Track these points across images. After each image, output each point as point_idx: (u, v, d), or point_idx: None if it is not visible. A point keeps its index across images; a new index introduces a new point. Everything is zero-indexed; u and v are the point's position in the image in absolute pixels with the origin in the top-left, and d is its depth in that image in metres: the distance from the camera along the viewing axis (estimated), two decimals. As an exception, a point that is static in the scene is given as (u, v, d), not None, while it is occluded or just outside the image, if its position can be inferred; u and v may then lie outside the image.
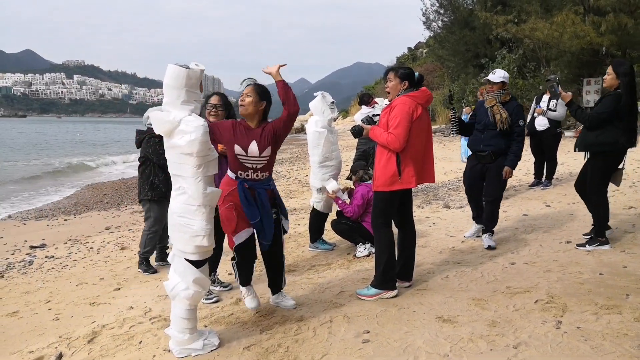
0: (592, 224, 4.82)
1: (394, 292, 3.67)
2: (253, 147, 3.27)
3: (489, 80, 4.91)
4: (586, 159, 4.61)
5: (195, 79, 2.89)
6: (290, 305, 3.59)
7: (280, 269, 3.67)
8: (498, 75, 4.89)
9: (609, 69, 4.36)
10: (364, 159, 7.13)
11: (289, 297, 3.69)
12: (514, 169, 4.80)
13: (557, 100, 7.49)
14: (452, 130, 5.25)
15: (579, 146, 4.54)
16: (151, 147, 4.88)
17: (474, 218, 5.29)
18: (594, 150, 4.42)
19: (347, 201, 5.17)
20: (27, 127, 79.17)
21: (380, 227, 3.73)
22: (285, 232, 3.69)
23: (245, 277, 3.58)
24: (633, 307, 3.12)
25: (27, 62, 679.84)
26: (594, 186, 4.47)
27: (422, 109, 3.65)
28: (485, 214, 4.95)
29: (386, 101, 8.39)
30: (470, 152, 5.57)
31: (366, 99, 7.35)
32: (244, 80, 3.55)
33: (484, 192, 5.02)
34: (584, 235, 4.89)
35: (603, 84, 4.57)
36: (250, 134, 3.30)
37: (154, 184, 4.90)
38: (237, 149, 3.27)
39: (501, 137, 4.74)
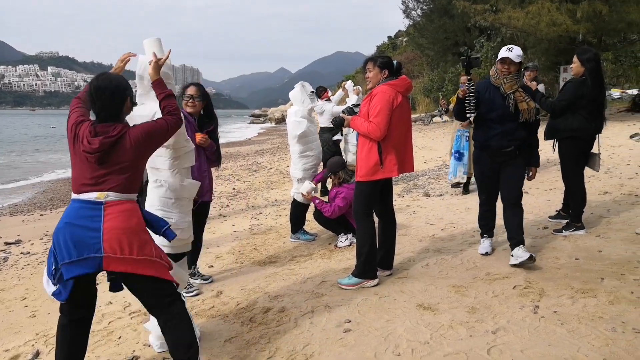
0: (561, 207, 4.96)
1: (375, 281, 3.68)
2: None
3: (504, 59, 3.85)
4: (555, 147, 4.71)
5: (168, 68, 2.82)
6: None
7: None
8: (517, 53, 3.86)
9: (574, 58, 4.46)
10: (333, 152, 7.19)
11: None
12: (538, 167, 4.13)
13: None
14: (471, 111, 3.97)
15: (546, 134, 4.65)
16: None
17: (486, 232, 4.24)
18: (559, 137, 4.52)
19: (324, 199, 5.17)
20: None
21: (362, 217, 3.73)
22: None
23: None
24: (608, 290, 3.18)
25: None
26: (567, 172, 4.57)
27: (402, 98, 3.64)
28: (511, 222, 3.94)
29: (339, 93, 8.50)
30: (458, 171, 5.38)
31: (319, 92, 7.55)
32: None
33: (505, 195, 3.99)
34: (549, 217, 5.07)
35: (571, 72, 4.63)
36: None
37: None
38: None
39: (524, 129, 3.88)
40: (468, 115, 3.99)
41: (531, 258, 3.65)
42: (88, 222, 2.27)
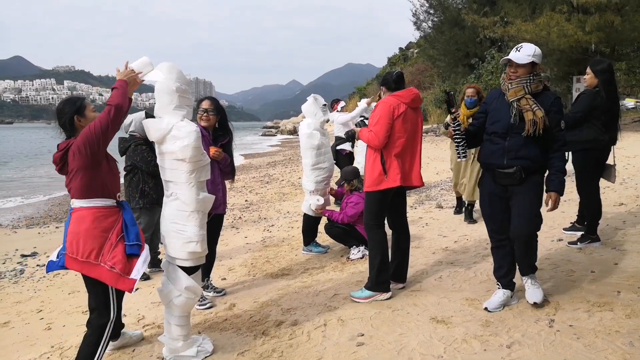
0: (576, 219, 4.92)
1: (388, 294, 3.67)
2: None
3: (509, 61, 3.20)
4: (568, 159, 4.68)
5: (186, 85, 2.91)
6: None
7: None
8: (525, 52, 3.15)
9: (588, 69, 4.44)
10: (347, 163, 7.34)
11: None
12: (562, 195, 3.21)
13: None
14: (460, 153, 3.48)
15: None
16: (139, 154, 4.80)
17: (500, 278, 3.38)
18: (574, 149, 4.49)
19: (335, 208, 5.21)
20: (11, 135, 78.37)
21: (373, 228, 3.73)
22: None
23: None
24: (624, 304, 3.14)
25: (17, 68, 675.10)
26: (582, 184, 4.54)
27: (407, 108, 3.63)
28: (521, 263, 3.33)
29: (342, 103, 8.58)
30: None
31: (331, 104, 7.92)
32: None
33: (512, 230, 3.24)
34: (563, 229, 5.01)
35: (584, 83, 4.61)
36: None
37: (144, 192, 4.85)
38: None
39: (534, 145, 3.15)
40: (458, 159, 3.56)
41: (536, 304, 3.22)
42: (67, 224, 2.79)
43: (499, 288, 3.37)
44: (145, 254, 2.76)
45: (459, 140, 3.42)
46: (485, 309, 3.26)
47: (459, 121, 3.41)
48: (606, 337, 2.75)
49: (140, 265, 2.70)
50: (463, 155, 3.48)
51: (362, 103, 8.16)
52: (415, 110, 3.71)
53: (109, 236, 2.70)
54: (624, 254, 4.14)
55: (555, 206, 3.21)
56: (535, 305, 3.23)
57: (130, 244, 2.71)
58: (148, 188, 4.85)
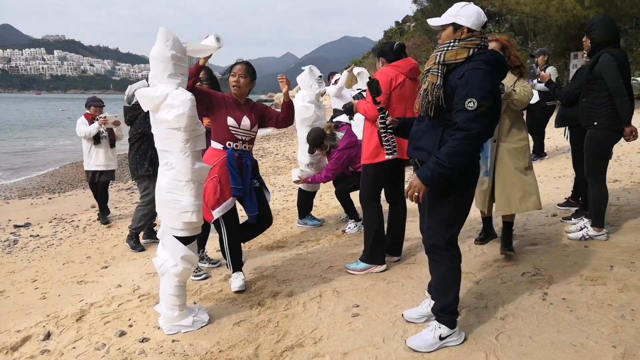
0: (570, 195, 4.94)
1: (383, 267, 3.69)
2: (246, 121, 3.48)
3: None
4: (566, 135, 4.67)
5: (182, 52, 2.83)
6: (234, 286, 3.53)
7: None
8: (447, 12, 2.53)
9: (585, 37, 4.05)
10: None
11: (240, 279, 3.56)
12: (427, 185, 2.41)
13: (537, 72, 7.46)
14: (387, 150, 2.86)
15: (558, 122, 4.62)
16: (149, 122, 4.74)
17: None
18: (572, 124, 4.48)
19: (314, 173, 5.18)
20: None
21: (368, 201, 3.72)
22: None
23: (236, 260, 3.62)
24: (617, 278, 3.17)
25: (6, 37, 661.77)
26: (579, 159, 4.53)
27: (406, 78, 3.57)
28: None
29: (345, 74, 8.44)
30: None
31: (328, 77, 7.74)
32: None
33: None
34: (557, 205, 5.03)
35: (582, 58, 4.52)
36: (242, 109, 3.50)
37: (153, 159, 4.77)
38: (231, 120, 3.42)
39: (434, 132, 2.51)
40: (387, 157, 2.89)
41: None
42: None
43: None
44: None
45: (384, 135, 2.83)
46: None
47: (385, 112, 2.86)
48: (599, 310, 2.78)
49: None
50: (389, 152, 2.85)
51: (345, 73, 8.13)
52: (414, 81, 3.63)
53: None
54: (617, 229, 4.17)
55: (413, 197, 2.45)
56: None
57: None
58: (156, 155, 4.80)
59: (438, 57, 2.45)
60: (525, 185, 3.58)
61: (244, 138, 3.48)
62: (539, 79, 5.85)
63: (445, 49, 2.44)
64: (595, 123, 3.91)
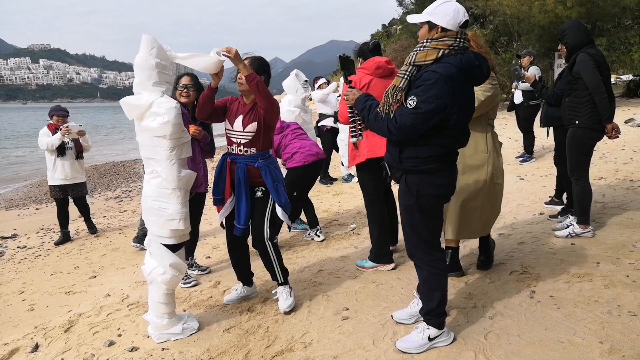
0: (554, 194, 5.00)
1: (391, 265, 3.75)
2: (238, 121, 3.15)
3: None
4: (548, 135, 4.75)
5: (166, 60, 2.83)
6: (283, 307, 3.17)
7: (268, 259, 3.25)
8: (427, 10, 2.42)
9: (560, 45, 4.16)
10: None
11: (287, 295, 3.23)
12: (355, 103, 2.61)
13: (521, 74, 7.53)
14: (354, 133, 2.74)
15: (543, 121, 4.69)
16: None
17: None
18: (556, 124, 4.53)
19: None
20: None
21: (368, 203, 3.82)
22: (278, 222, 3.40)
23: (238, 272, 3.44)
24: (603, 274, 3.21)
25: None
26: (563, 158, 4.60)
27: (372, 78, 3.53)
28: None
29: (322, 80, 8.41)
30: None
31: (312, 81, 7.84)
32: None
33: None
34: (544, 203, 5.10)
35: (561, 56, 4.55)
36: (240, 109, 3.18)
37: None
38: (227, 123, 3.24)
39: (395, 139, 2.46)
40: (352, 139, 2.76)
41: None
42: None
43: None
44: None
45: (351, 116, 2.72)
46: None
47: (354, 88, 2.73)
48: (585, 306, 2.82)
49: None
50: (354, 135, 2.73)
51: (333, 84, 8.18)
52: (385, 79, 3.51)
53: None
54: (602, 226, 4.22)
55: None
56: None
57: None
58: None
59: (410, 57, 2.39)
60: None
61: (238, 140, 3.14)
62: (523, 80, 5.92)
63: (418, 49, 2.38)
64: (577, 122, 3.97)
